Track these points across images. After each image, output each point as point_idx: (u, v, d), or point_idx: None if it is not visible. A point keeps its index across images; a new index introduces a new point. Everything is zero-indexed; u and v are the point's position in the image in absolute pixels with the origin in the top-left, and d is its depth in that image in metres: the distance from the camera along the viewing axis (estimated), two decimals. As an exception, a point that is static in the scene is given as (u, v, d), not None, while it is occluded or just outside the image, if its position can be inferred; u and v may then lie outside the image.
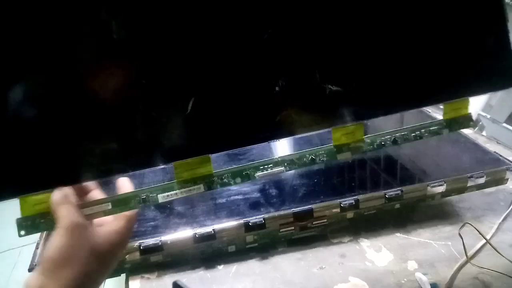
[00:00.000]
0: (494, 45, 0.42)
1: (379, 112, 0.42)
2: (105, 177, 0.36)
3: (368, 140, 0.42)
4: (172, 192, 0.38)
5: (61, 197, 0.34)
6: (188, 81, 0.37)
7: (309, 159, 0.41)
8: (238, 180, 0.40)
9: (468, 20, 0.41)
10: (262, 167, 0.40)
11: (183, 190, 0.38)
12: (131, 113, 0.36)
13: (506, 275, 0.53)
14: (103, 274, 0.36)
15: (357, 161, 0.74)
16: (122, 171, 0.37)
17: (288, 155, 0.41)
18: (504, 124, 0.89)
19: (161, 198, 0.38)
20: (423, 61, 0.41)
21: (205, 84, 0.37)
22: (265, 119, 0.39)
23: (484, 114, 0.93)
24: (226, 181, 0.39)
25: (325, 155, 0.41)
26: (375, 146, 0.42)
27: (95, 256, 0.34)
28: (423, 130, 0.43)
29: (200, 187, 0.38)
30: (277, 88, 0.38)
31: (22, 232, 0.36)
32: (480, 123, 0.94)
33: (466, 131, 0.90)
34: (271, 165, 0.40)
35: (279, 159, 0.40)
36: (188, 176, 0.38)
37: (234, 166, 0.40)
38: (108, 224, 0.37)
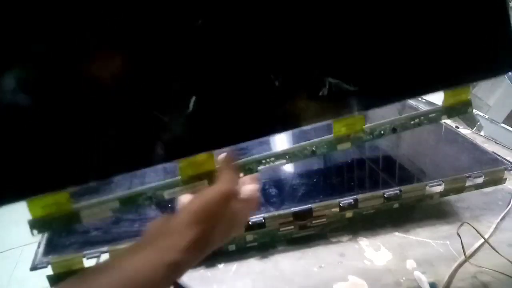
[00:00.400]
0: (494, 29, 0.41)
1: (380, 102, 0.41)
2: (110, 176, 0.37)
3: (368, 130, 0.42)
4: (177, 189, 0.38)
5: (228, 162, 0.38)
6: (189, 78, 0.37)
7: (310, 151, 0.41)
8: (241, 174, 0.40)
9: (467, 5, 0.41)
10: (264, 161, 0.40)
11: (188, 186, 0.38)
12: (135, 112, 0.36)
13: (504, 274, 0.53)
14: (219, 243, 0.37)
15: (356, 161, 0.75)
16: (128, 170, 0.37)
17: (289, 148, 0.41)
18: (502, 124, 0.90)
19: (167, 194, 0.38)
20: (422, 48, 0.40)
21: (206, 81, 0.37)
22: (266, 113, 0.39)
23: (482, 114, 0.94)
24: None
25: (325, 146, 0.41)
26: (374, 135, 0.42)
27: (227, 224, 0.37)
28: (422, 117, 0.43)
29: (204, 182, 0.38)
30: (277, 82, 0.38)
31: (35, 232, 0.36)
32: (479, 123, 0.94)
33: (465, 131, 0.91)
34: (273, 158, 0.40)
35: (280, 152, 0.40)
36: (193, 172, 0.38)
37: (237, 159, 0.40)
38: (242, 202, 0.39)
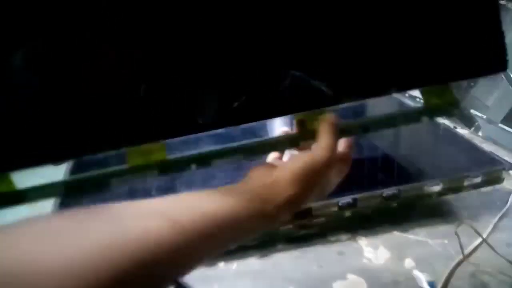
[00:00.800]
0: (482, 25, 0.38)
1: (346, 98, 0.38)
2: (57, 162, 0.35)
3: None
4: (123, 178, 0.37)
5: (330, 124, 0.37)
6: (141, 65, 0.35)
7: (269, 147, 0.39)
8: (194, 166, 0.38)
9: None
10: (219, 154, 0.38)
11: (135, 174, 0.37)
12: (84, 96, 0.34)
13: (502, 273, 0.54)
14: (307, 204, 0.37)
15: (355, 160, 0.75)
16: (75, 155, 0.36)
17: (247, 142, 0.39)
18: (500, 125, 0.90)
19: (113, 182, 0.37)
20: (397, 42, 0.37)
21: (159, 68, 0.35)
22: (222, 105, 0.36)
23: (480, 114, 0.94)
24: (181, 167, 0.38)
25: (287, 144, 0.39)
26: (343, 134, 0.39)
27: (322, 188, 0.37)
28: (399, 116, 0.40)
29: (154, 173, 0.37)
30: (232, 74, 0.36)
31: None
32: (477, 123, 0.94)
33: (463, 131, 0.91)
34: (229, 152, 0.38)
35: (237, 146, 0.38)
36: (141, 162, 0.37)
37: (192, 152, 0.38)
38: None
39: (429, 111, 0.40)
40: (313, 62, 0.37)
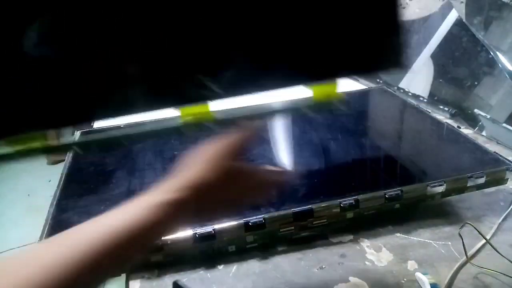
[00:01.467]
0: (379, 24, 0.38)
1: (228, 94, 0.37)
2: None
3: (220, 116, 0.39)
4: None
5: (250, 126, 0.40)
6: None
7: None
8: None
9: None
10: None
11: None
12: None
13: (506, 275, 0.53)
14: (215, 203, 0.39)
15: (357, 161, 0.74)
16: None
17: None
18: (504, 124, 0.89)
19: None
20: (279, 34, 0.36)
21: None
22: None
23: (484, 114, 0.93)
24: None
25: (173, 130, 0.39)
26: (226, 121, 0.39)
27: (232, 184, 0.38)
28: (285, 107, 0.41)
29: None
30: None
31: None
32: (480, 123, 0.94)
33: (466, 131, 0.90)
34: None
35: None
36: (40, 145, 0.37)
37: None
38: None
39: (318, 105, 0.41)
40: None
